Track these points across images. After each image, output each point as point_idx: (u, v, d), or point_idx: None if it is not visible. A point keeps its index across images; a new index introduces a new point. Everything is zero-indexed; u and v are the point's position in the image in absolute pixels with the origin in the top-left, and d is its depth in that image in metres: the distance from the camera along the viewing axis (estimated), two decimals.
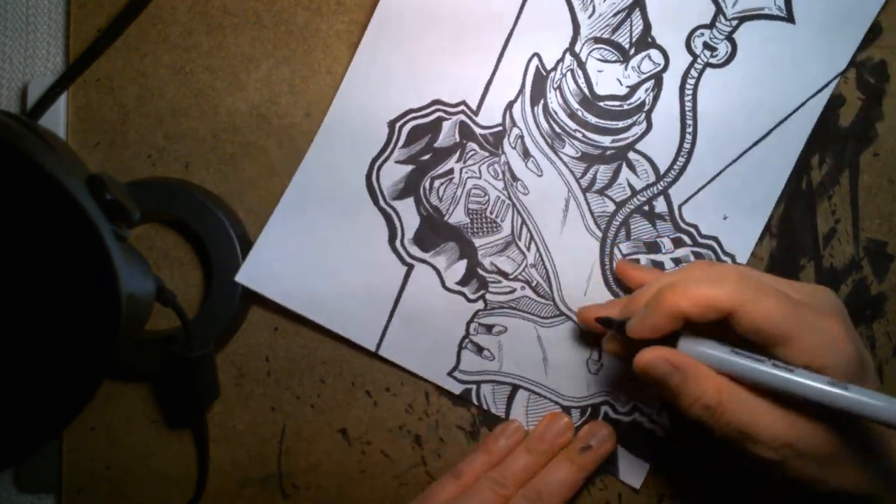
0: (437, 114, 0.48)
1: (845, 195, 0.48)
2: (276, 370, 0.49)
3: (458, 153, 0.48)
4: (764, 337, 0.37)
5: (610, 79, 0.48)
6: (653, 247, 0.48)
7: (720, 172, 0.47)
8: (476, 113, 0.48)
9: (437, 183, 0.48)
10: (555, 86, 0.48)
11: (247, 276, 0.48)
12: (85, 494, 0.50)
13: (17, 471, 0.50)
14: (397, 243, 0.48)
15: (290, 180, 0.49)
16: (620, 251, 0.48)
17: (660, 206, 0.48)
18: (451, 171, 0.48)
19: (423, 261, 0.48)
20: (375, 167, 0.48)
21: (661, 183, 0.48)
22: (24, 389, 0.32)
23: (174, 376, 0.48)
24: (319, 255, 0.48)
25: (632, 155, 0.48)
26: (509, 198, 0.48)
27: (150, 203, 0.47)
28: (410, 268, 0.48)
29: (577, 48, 0.47)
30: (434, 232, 0.48)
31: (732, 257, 0.48)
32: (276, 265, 0.48)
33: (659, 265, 0.48)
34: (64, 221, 0.30)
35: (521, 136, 0.48)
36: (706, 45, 0.47)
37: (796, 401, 0.37)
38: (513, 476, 0.46)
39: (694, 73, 0.47)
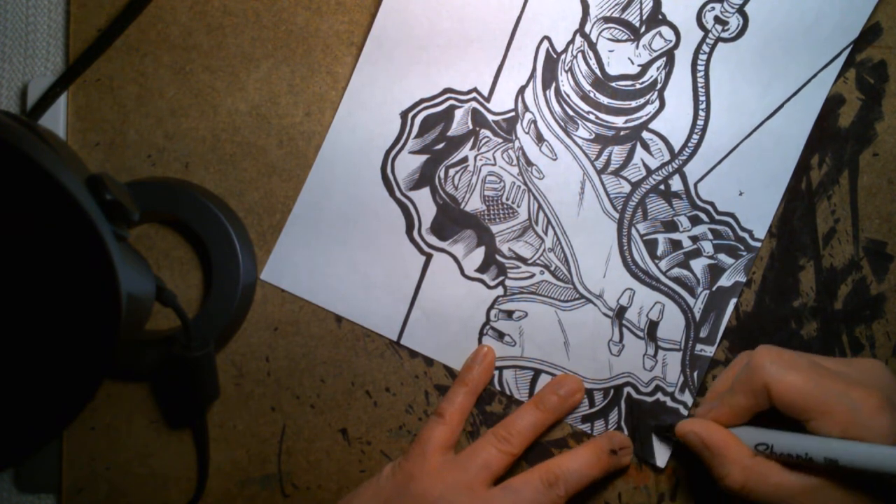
0: (449, 102, 0.48)
1: (845, 195, 0.48)
2: (276, 370, 0.49)
3: (471, 141, 0.48)
4: (795, 410, 0.40)
5: (621, 58, 0.47)
6: (670, 226, 0.48)
7: (735, 148, 0.47)
8: (488, 99, 0.48)
9: (451, 171, 0.48)
10: (566, 68, 0.48)
11: (270, 273, 0.49)
12: (85, 494, 0.50)
13: (17, 471, 0.50)
14: (415, 233, 0.48)
15: (290, 180, 0.49)
16: (638, 231, 0.48)
17: (675, 184, 0.48)
18: (465, 159, 0.48)
19: (442, 250, 0.48)
20: (390, 159, 0.48)
21: (676, 161, 0.48)
22: (24, 389, 0.32)
23: (174, 376, 0.48)
24: (339, 248, 0.49)
25: (646, 134, 0.48)
26: (525, 183, 0.48)
27: (150, 203, 0.47)
28: (429, 257, 0.48)
29: (586, 29, 0.47)
30: (451, 220, 0.48)
31: (750, 233, 0.47)
32: (297, 261, 0.49)
33: (677, 243, 0.47)
34: (64, 221, 0.30)
35: (534, 121, 0.48)
36: (717, 20, 0.47)
37: (838, 475, 0.39)
38: (519, 433, 0.46)
39: (706, 48, 0.47)
